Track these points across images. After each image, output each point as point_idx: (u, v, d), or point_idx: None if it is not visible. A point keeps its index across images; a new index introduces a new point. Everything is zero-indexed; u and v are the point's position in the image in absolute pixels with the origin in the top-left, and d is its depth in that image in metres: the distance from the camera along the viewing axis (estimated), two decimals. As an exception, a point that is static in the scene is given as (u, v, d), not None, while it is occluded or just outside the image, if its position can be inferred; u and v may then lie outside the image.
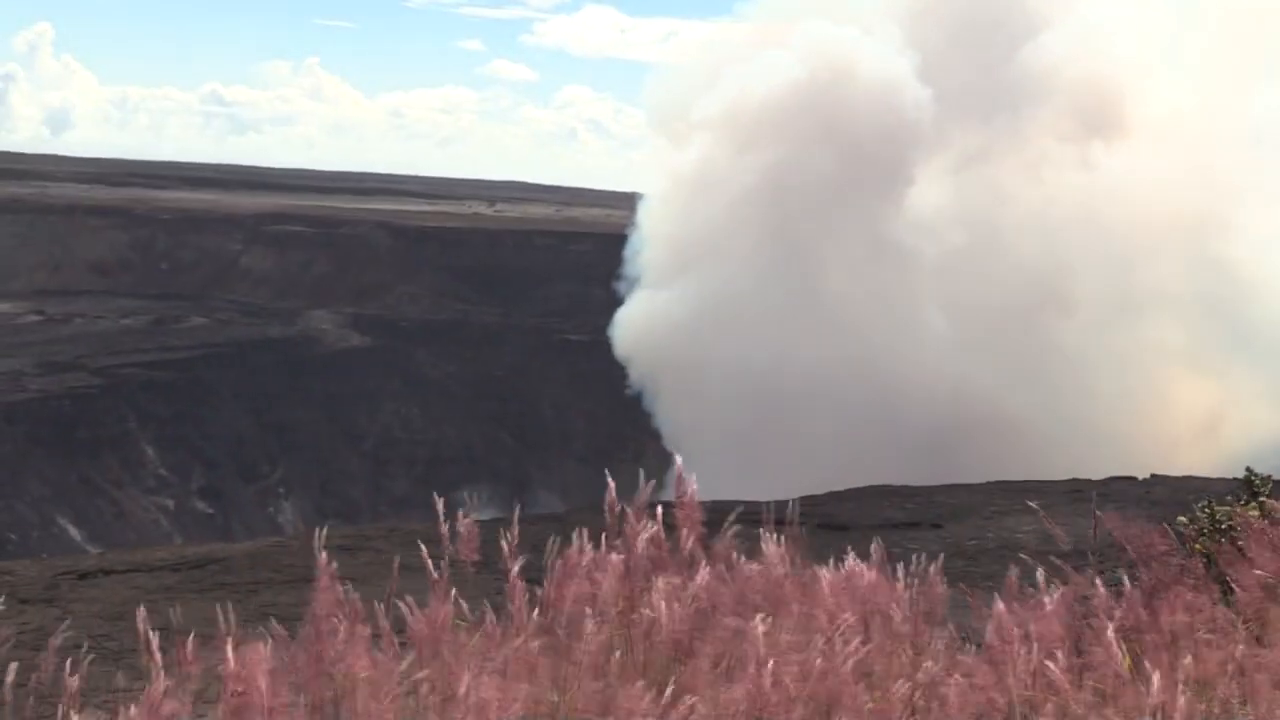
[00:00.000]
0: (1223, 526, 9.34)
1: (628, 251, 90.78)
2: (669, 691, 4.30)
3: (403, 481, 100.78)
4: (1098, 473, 43.24)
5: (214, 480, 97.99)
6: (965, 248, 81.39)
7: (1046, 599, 4.97)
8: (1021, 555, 7.00)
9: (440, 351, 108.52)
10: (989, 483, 37.00)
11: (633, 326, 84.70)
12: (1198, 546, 8.48)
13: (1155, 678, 4.10)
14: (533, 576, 5.69)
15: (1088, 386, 73.32)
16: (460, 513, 5.69)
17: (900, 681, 4.59)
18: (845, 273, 79.96)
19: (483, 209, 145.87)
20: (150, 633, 4.93)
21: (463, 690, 4.23)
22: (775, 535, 5.77)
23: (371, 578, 5.02)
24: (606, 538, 5.74)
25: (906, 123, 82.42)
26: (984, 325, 77.24)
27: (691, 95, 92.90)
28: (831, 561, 5.94)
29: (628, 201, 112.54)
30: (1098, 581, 5.58)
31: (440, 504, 5.93)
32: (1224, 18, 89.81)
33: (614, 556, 5.27)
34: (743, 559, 5.62)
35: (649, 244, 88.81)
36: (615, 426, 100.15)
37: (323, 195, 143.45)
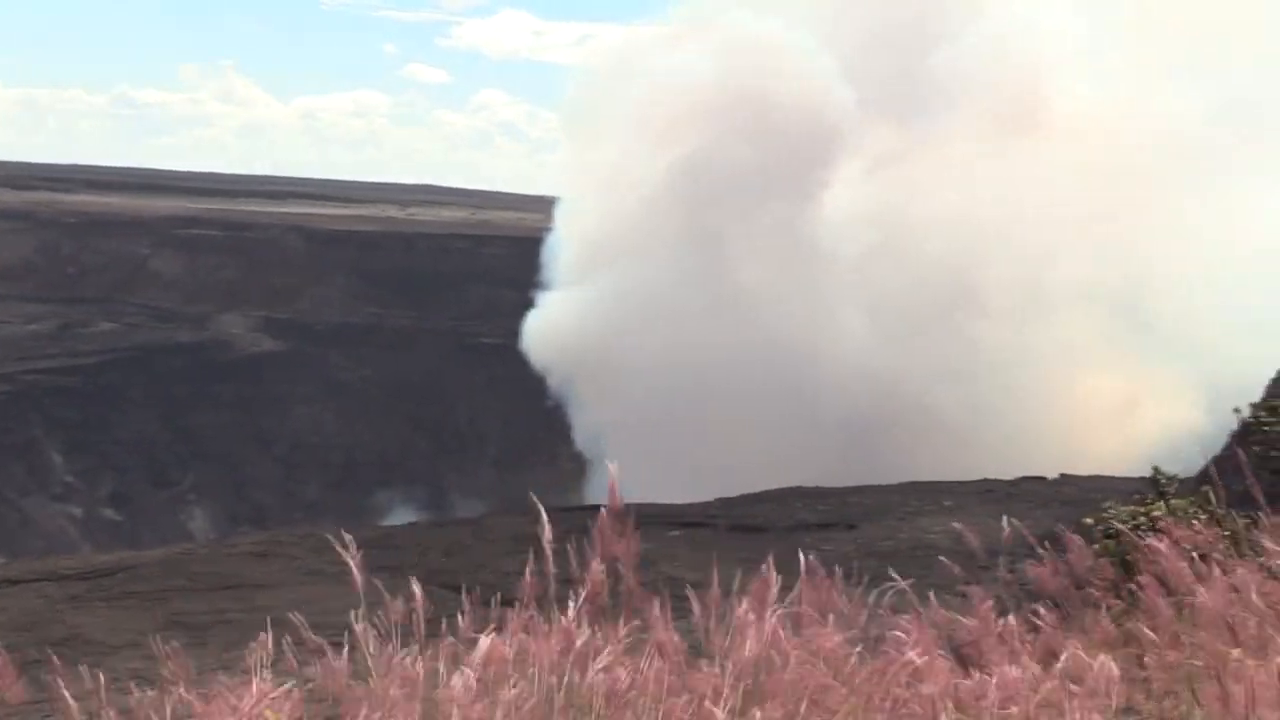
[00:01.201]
0: (1129, 526, 9.46)
1: (544, 254, 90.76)
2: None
3: (316, 486, 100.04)
4: (1011, 470, 43.75)
5: (123, 487, 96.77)
6: (882, 245, 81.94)
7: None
8: (941, 557, 7.02)
9: (353, 355, 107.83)
10: (903, 483, 37.30)
11: (545, 328, 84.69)
12: (1106, 547, 8.57)
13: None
14: (445, 581, 5.62)
15: (1002, 383, 73.96)
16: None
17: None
18: (762, 271, 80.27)
19: (396, 212, 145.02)
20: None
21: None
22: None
23: (284, 583, 4.92)
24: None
25: (825, 120, 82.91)
26: (901, 323, 77.76)
27: (607, 95, 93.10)
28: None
29: (542, 205, 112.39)
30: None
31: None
32: (1136, 19, 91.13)
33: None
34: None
35: (564, 245, 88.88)
36: (530, 430, 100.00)
37: (234, 199, 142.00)
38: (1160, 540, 4.57)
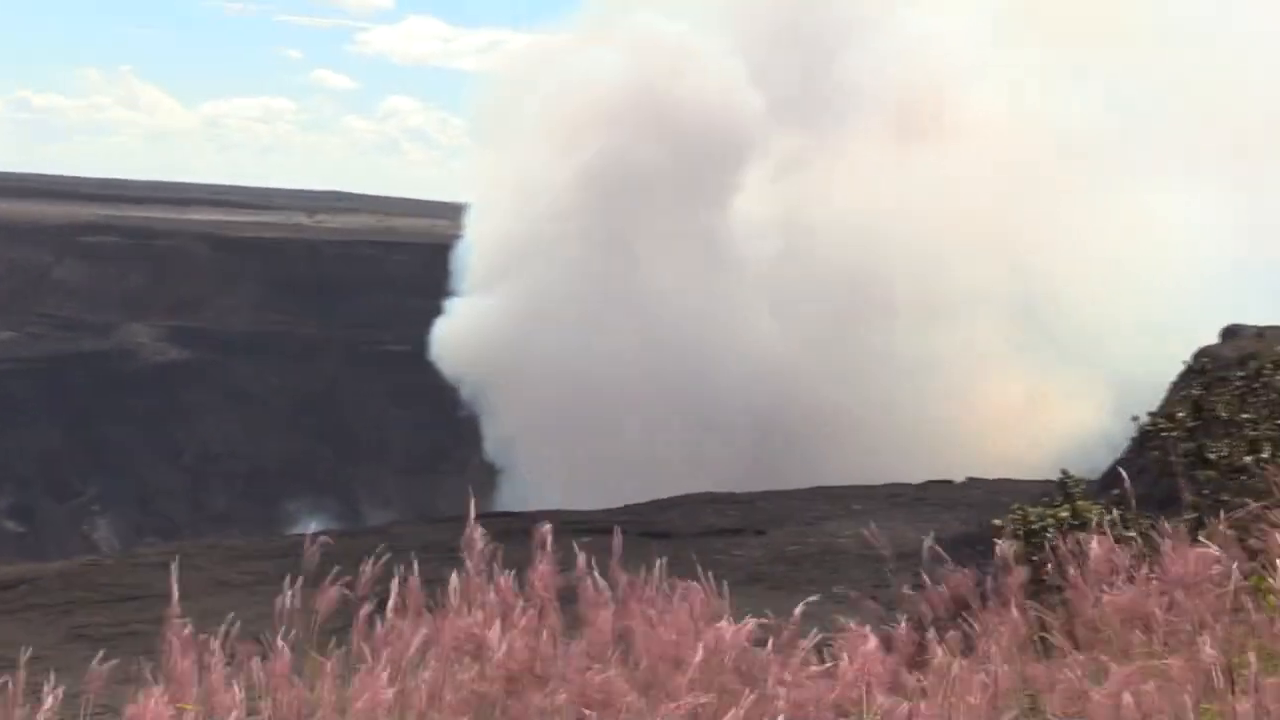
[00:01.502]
0: (1035, 529, 9.61)
1: (452, 261, 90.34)
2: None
3: (223, 497, 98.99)
4: (919, 473, 44.15)
5: (25, 498, 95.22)
6: (789, 250, 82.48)
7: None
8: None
9: (261, 364, 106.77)
10: (811, 488, 37.64)
11: (454, 335, 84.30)
12: (1017, 550, 8.68)
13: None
14: (353, 595, 5.60)
15: (909, 386, 74.62)
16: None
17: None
18: (672, 275, 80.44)
19: (303, 219, 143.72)
20: None
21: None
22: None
23: (190, 595, 4.86)
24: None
25: (733, 124, 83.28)
26: (809, 327, 78.27)
27: (516, 100, 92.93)
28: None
29: (450, 211, 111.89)
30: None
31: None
32: (1036, 25, 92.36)
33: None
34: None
35: (473, 250, 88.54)
36: (438, 438, 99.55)
37: (138, 205, 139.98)
38: (1089, 541, 4.66)
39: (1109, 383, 64.21)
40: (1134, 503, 7.55)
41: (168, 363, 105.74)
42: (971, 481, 39.33)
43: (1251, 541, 5.24)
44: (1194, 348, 42.76)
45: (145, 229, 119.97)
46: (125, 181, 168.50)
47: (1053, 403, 73.45)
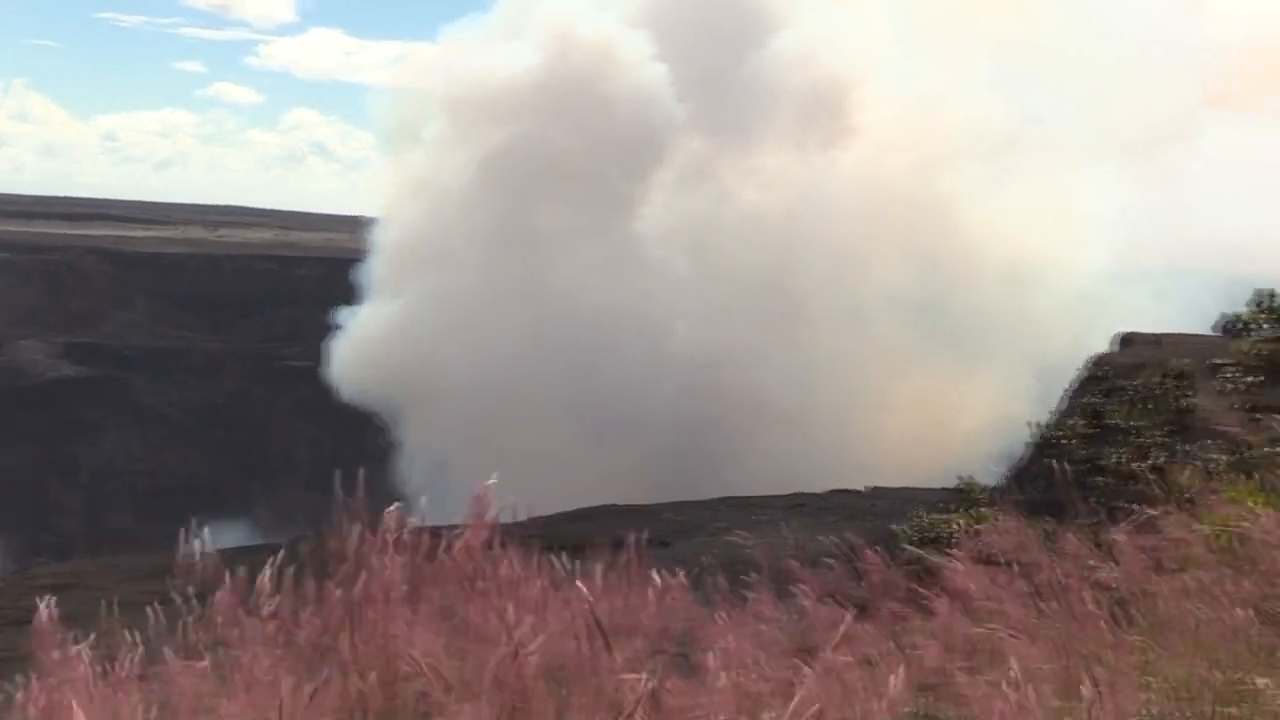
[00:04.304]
0: (934, 536, 9.70)
1: (355, 274, 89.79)
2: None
3: (123, 514, 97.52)
4: (831, 479, 44.40)
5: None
6: (701, 253, 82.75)
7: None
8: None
9: (160, 380, 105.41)
10: (715, 499, 37.75)
11: (355, 348, 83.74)
12: (911, 558, 8.75)
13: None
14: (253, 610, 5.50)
15: (822, 393, 74.99)
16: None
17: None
18: (581, 279, 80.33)
19: (203, 233, 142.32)
20: None
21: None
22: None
23: (85, 616, 4.77)
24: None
25: (645, 125, 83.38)
26: (721, 331, 78.40)
27: (424, 106, 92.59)
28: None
29: (352, 225, 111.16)
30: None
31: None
32: (940, 23, 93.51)
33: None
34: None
35: (378, 260, 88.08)
36: (342, 451, 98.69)
37: (32, 220, 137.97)
38: (959, 550, 4.71)
39: (1017, 383, 64.94)
40: (1028, 508, 7.62)
41: (62, 379, 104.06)
42: (875, 490, 39.66)
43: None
44: (1103, 346, 43.47)
45: (38, 244, 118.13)
46: (17, 196, 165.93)
47: (963, 404, 74.08)
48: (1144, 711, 3.76)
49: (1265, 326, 9.86)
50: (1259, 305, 9.93)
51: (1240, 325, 9.93)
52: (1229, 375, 10.17)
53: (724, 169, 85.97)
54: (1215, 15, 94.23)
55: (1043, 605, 4.39)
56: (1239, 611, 3.98)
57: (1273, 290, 9.89)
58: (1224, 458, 8.86)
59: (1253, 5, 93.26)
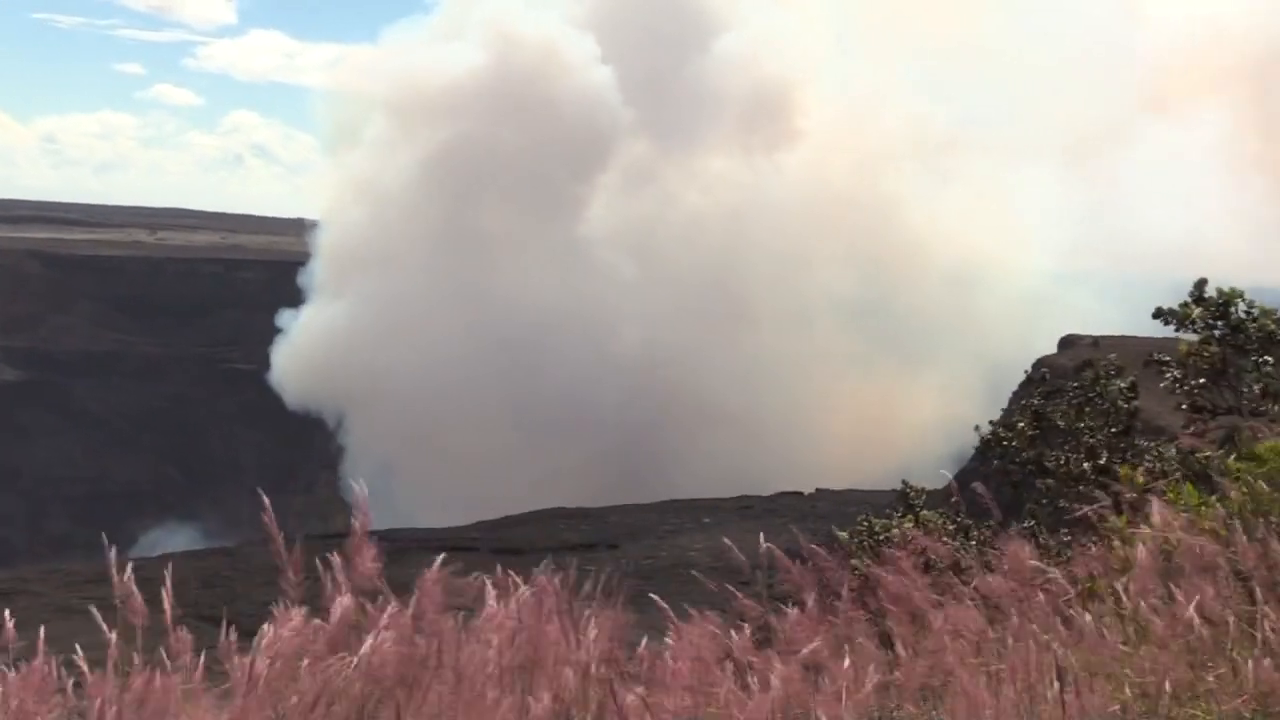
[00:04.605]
0: (880, 539, 9.74)
1: (299, 277, 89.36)
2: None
3: (62, 520, 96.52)
4: (773, 482, 44.57)
5: None
6: (646, 256, 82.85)
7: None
8: (694, 573, 7.08)
9: (100, 384, 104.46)
10: (662, 501, 37.86)
11: (297, 352, 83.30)
12: (853, 563, 8.79)
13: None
14: (206, 614, 5.46)
15: (767, 394, 75.29)
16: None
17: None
18: (525, 280, 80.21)
19: (144, 236, 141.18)
20: None
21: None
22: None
23: (28, 623, 4.71)
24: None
25: (590, 127, 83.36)
26: (666, 333, 78.51)
27: (365, 106, 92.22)
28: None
29: (295, 227, 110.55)
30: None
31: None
32: (881, 26, 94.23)
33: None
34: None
35: (320, 263, 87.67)
36: (286, 456, 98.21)
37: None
38: (900, 552, 4.72)
39: (966, 383, 65.40)
40: (973, 511, 7.68)
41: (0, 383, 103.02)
42: (820, 493, 39.88)
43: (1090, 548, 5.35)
44: (1047, 346, 43.95)
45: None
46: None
47: (907, 405, 74.56)
48: (1106, 710, 3.79)
49: (1198, 321, 9.93)
50: (1195, 299, 10.01)
51: (1176, 317, 10.01)
52: (1174, 375, 10.24)
53: (668, 172, 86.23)
54: (1152, 19, 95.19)
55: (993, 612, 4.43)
56: (1188, 612, 4.02)
57: (1204, 279, 9.96)
58: (1170, 458, 8.93)
59: (1188, 8, 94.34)
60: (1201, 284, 10.40)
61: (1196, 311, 10.29)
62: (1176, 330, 10.28)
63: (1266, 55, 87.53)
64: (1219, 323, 10.05)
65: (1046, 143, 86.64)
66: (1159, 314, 10.54)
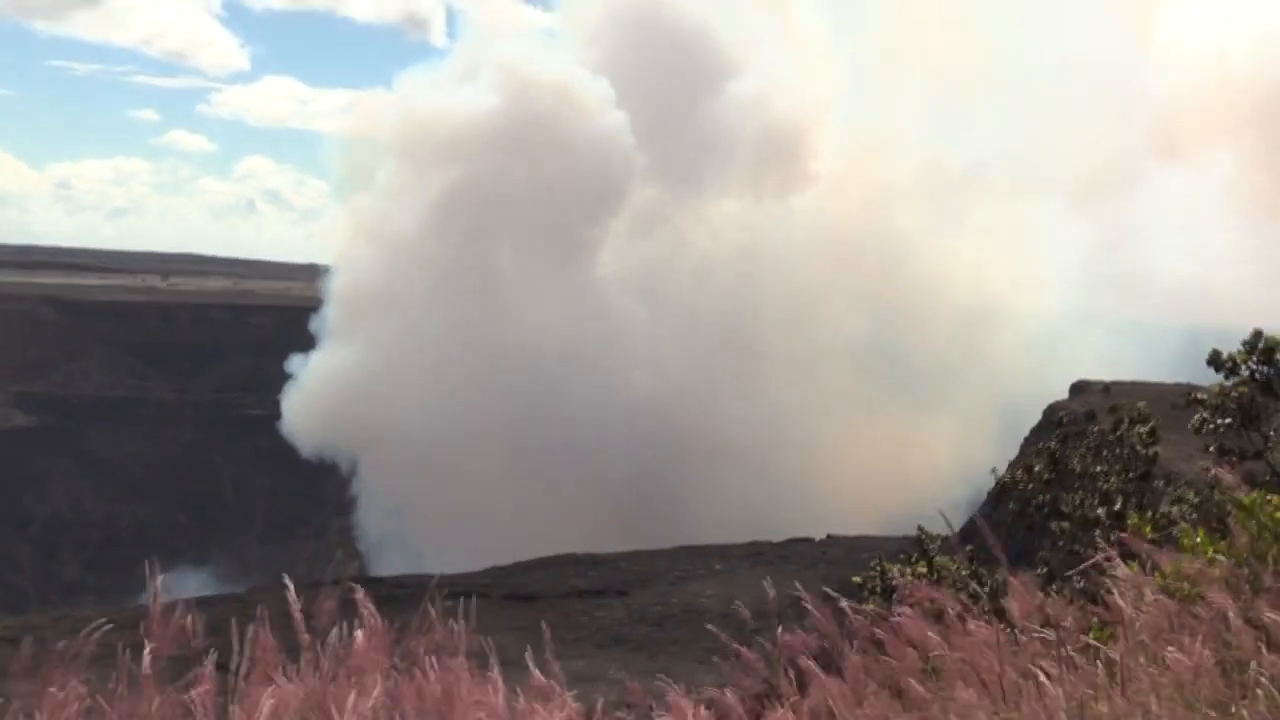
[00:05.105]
0: (893, 585, 9.68)
1: (311, 323, 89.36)
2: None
3: (74, 566, 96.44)
4: (785, 525, 44.42)
5: None
6: (657, 300, 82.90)
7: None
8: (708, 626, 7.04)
9: (113, 430, 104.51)
10: (673, 547, 37.70)
11: (308, 397, 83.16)
12: (868, 607, 8.72)
13: None
14: (220, 662, 5.40)
15: (779, 437, 75.09)
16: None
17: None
18: (537, 324, 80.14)
19: (157, 282, 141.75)
20: None
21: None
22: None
23: (38, 669, 4.66)
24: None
25: (603, 171, 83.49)
26: (677, 377, 78.39)
27: (375, 155, 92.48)
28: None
29: (307, 273, 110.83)
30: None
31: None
32: (891, 69, 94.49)
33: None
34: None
35: (332, 307, 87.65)
36: (297, 502, 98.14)
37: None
38: (909, 600, 4.69)
39: (979, 426, 65.20)
40: (989, 557, 7.61)
41: (13, 429, 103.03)
42: (832, 539, 39.71)
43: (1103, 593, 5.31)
44: (1059, 388, 43.87)
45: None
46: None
47: (920, 447, 74.28)
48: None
49: (1254, 368, 9.91)
50: (1250, 347, 9.99)
51: (1229, 363, 9.97)
52: (1202, 416, 10.21)
53: (680, 214, 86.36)
54: (1162, 62, 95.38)
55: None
56: (1205, 652, 3.98)
57: (1259, 330, 9.95)
58: (1187, 504, 8.88)
59: (1196, 47, 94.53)
60: (1257, 335, 10.38)
61: (1247, 358, 10.27)
62: (1227, 378, 10.25)
63: (1277, 94, 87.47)
64: (1264, 368, 10.04)
65: (1058, 184, 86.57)
66: (1214, 360, 10.50)
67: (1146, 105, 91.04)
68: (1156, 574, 4.94)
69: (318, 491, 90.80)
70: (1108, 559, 5.39)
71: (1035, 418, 39.94)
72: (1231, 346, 10.94)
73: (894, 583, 9.89)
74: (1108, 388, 39.01)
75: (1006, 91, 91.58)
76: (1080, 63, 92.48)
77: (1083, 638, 4.49)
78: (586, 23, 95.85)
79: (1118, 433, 11.14)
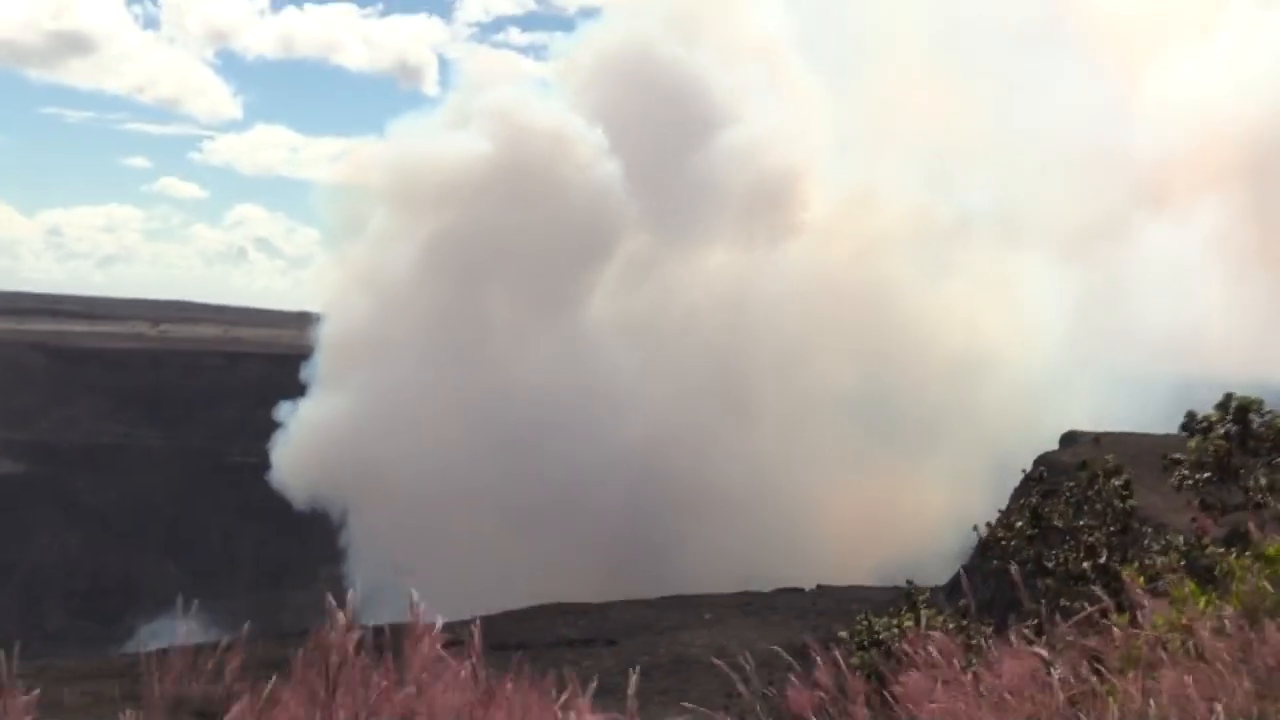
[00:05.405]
0: (880, 639, 9.64)
1: (301, 371, 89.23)
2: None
3: (59, 615, 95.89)
4: (775, 574, 44.30)
5: None
6: (647, 349, 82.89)
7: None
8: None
9: (101, 478, 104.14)
10: (662, 597, 37.57)
11: (297, 447, 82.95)
12: (854, 660, 8.68)
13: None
14: (199, 709, 5.34)
15: (769, 487, 74.92)
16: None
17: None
18: (527, 374, 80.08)
19: (146, 329, 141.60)
20: None
21: None
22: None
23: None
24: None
25: (594, 220, 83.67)
26: (667, 427, 78.29)
27: (366, 203, 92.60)
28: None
29: (297, 321, 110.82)
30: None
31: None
32: (880, 120, 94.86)
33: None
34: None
35: (322, 355, 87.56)
36: (286, 551, 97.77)
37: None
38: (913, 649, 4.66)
39: (969, 477, 65.07)
40: (973, 609, 7.58)
41: (0, 476, 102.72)
42: (822, 589, 39.61)
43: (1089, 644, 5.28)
44: (1050, 439, 43.81)
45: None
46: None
47: (913, 498, 74.13)
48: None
49: (1227, 426, 9.97)
50: (1223, 408, 10.04)
51: (1204, 424, 10.02)
52: (1183, 473, 10.23)
53: (670, 263, 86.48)
54: (1148, 115, 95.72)
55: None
56: (1216, 706, 3.95)
57: (1230, 394, 10.03)
58: (1173, 555, 8.86)
59: (1183, 98, 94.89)
60: (1229, 397, 10.45)
61: (1218, 418, 10.32)
62: (1204, 437, 10.30)
63: (1263, 147, 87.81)
64: (1235, 426, 10.08)
65: (1048, 235, 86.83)
66: (1188, 424, 10.56)
67: (1134, 157, 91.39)
68: (1149, 624, 4.92)
69: (307, 540, 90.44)
70: (1103, 612, 5.36)
71: (1027, 467, 39.85)
72: (1219, 396, 11.01)
73: (880, 637, 9.87)
74: (1098, 439, 38.94)
75: (995, 142, 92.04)
76: (1068, 115, 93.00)
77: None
78: (579, 72, 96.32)
79: (1095, 488, 11.14)
